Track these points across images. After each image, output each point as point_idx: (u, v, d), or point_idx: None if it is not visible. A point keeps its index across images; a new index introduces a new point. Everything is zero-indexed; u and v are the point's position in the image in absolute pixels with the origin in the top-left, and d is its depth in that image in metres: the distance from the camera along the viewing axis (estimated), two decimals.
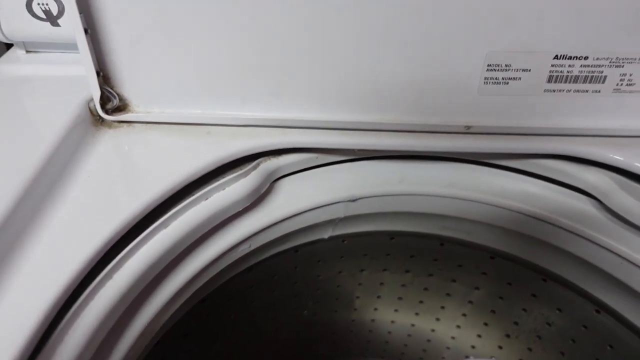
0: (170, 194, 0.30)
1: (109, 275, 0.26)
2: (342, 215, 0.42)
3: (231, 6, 0.29)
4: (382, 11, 0.30)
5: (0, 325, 0.21)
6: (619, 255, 0.37)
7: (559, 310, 0.49)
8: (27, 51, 0.37)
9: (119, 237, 0.27)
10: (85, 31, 0.29)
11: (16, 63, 0.36)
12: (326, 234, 0.46)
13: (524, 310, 0.53)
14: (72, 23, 0.28)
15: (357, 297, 0.61)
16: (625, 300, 0.41)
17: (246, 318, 0.54)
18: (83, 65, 0.30)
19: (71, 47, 0.36)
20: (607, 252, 0.38)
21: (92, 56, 0.30)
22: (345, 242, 0.50)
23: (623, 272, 0.38)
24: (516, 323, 0.55)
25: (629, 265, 0.37)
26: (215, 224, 0.33)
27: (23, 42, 0.36)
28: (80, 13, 0.28)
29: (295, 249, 0.47)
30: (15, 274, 0.23)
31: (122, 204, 0.28)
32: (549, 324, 0.52)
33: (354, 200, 0.41)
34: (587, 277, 0.43)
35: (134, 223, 0.28)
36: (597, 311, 0.45)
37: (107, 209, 0.27)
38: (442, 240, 0.51)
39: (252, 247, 0.39)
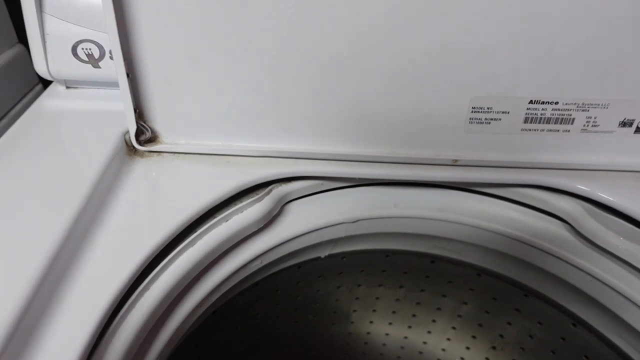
0: (197, 217, 0.34)
1: (147, 287, 0.31)
2: (342, 235, 0.47)
3: (249, 58, 0.34)
4: (381, 63, 0.35)
5: (62, 330, 0.26)
6: (588, 274, 0.42)
7: (540, 323, 0.54)
8: (67, 87, 0.41)
9: (155, 254, 0.31)
10: (127, 75, 0.34)
11: (57, 98, 0.40)
12: (327, 251, 0.51)
13: (509, 323, 0.57)
14: (116, 68, 0.33)
15: (354, 311, 0.65)
16: (597, 315, 0.46)
17: (251, 329, 0.58)
18: (123, 104, 0.35)
19: (107, 84, 0.41)
20: (578, 271, 0.43)
21: (131, 96, 0.35)
22: (344, 259, 0.54)
23: (592, 289, 0.43)
24: (501, 336, 0.60)
25: (597, 282, 0.42)
26: (233, 242, 0.37)
27: (64, 79, 0.40)
28: (124, 60, 0.33)
29: (299, 265, 0.51)
30: (71, 289, 0.28)
31: (157, 226, 0.32)
32: (531, 337, 0.56)
33: (353, 222, 0.46)
34: (563, 293, 0.48)
35: (167, 242, 0.32)
36: (574, 324, 0.49)
37: (144, 230, 0.32)
38: (433, 259, 0.55)
39: (263, 264, 0.43)
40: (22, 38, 0.49)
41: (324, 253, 0.50)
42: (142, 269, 0.30)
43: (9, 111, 0.46)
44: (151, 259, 0.31)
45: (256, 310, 0.55)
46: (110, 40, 0.32)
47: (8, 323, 0.23)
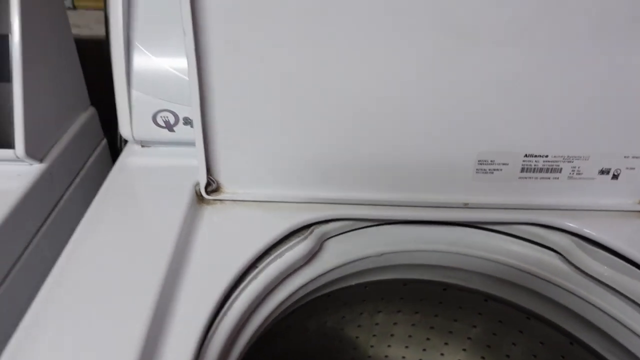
0: (259, 254, 0.42)
1: (225, 313, 0.38)
2: (369, 267, 0.55)
3: (296, 130, 0.43)
4: (404, 132, 0.43)
5: (171, 345, 0.33)
6: (580, 297, 0.49)
7: (542, 343, 0.60)
8: (142, 146, 0.50)
9: (229, 288, 0.39)
10: (204, 141, 0.42)
11: (135, 156, 0.48)
12: (354, 281, 0.58)
13: (514, 344, 0.64)
14: (195, 137, 0.42)
15: (374, 336, 0.71)
16: (590, 334, 0.53)
17: (285, 353, 0.64)
18: (197, 162, 0.43)
19: (176, 144, 0.49)
20: (571, 295, 0.50)
21: (204, 156, 0.43)
22: (367, 288, 0.61)
23: (585, 311, 0.50)
24: (508, 356, 0.66)
25: (588, 305, 0.49)
26: (285, 275, 0.45)
27: (141, 140, 0.49)
28: (203, 131, 0.41)
29: (329, 294, 0.58)
30: (171, 315, 0.35)
31: (229, 265, 0.39)
32: (534, 356, 0.63)
33: (379, 256, 0.53)
34: (560, 315, 0.55)
35: (238, 277, 0.40)
36: (571, 343, 0.56)
37: (219, 269, 0.39)
38: (445, 286, 0.62)
39: (304, 293, 0.50)
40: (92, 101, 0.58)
41: (351, 282, 0.58)
42: (222, 300, 0.37)
43: (85, 163, 0.54)
44: (227, 292, 0.38)
45: (291, 335, 0.62)
46: (194, 118, 0.40)
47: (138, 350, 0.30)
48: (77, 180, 0.51)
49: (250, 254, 0.41)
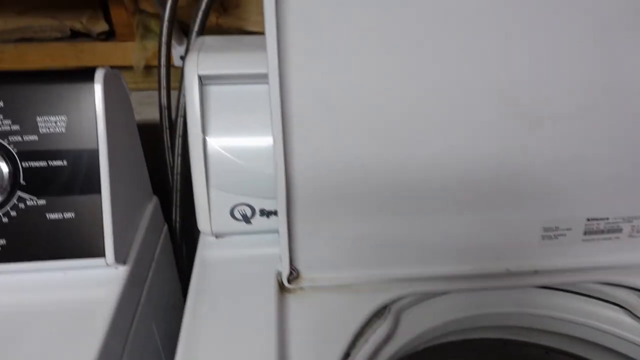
0: (350, 345, 0.43)
1: None
2: (438, 334, 0.56)
3: (370, 219, 0.45)
4: (470, 206, 0.46)
5: None
6: None
7: None
8: (217, 237, 0.51)
9: None
10: (289, 237, 0.44)
11: (212, 249, 0.49)
12: (421, 347, 0.59)
13: None
14: (280, 234, 0.43)
15: None
16: None
17: None
18: (280, 254, 0.45)
19: (250, 233, 0.51)
20: (637, 347, 0.52)
21: (288, 249, 0.45)
22: (431, 350, 0.62)
23: None
24: None
25: None
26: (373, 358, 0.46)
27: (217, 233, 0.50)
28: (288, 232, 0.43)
29: None
30: None
31: (326, 355, 0.41)
32: None
33: (447, 323, 0.54)
34: None
35: None
36: None
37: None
38: (505, 342, 0.63)
39: None
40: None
41: (418, 349, 0.58)
42: None
43: (154, 254, 0.55)
44: None
45: None
46: (280, 215, 0.42)
47: None
48: (150, 273, 0.52)
49: (343, 345, 0.42)
